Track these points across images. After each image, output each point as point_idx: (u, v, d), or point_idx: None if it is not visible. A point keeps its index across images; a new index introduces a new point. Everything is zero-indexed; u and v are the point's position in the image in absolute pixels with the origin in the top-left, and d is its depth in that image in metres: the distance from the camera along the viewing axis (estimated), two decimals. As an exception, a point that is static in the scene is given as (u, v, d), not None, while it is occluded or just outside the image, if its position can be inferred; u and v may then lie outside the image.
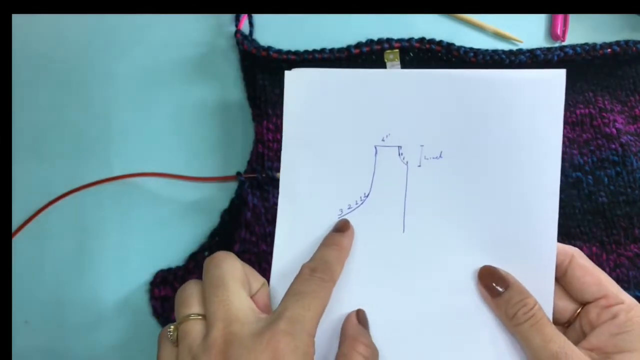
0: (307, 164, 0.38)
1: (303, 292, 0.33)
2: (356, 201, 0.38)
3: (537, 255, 0.36)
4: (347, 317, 0.36)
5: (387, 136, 0.38)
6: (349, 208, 0.38)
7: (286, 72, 0.39)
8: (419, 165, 0.38)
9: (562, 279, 0.37)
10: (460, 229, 0.37)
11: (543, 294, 0.35)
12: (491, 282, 0.36)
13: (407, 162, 0.38)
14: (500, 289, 0.35)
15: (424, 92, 0.38)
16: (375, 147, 0.38)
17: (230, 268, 0.34)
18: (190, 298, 0.33)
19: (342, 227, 0.37)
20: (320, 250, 0.36)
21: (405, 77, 0.38)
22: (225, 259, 0.34)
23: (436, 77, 0.38)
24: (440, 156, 0.38)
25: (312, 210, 0.38)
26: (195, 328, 0.32)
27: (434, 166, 0.38)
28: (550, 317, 0.35)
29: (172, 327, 0.33)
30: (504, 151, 0.37)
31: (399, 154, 0.38)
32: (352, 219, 0.38)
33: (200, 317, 0.32)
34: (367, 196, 0.38)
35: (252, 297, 0.34)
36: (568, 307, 0.37)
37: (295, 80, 0.39)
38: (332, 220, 0.38)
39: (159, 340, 0.34)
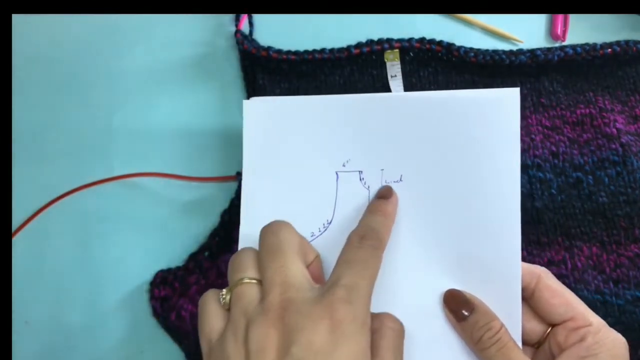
0: (268, 193, 0.38)
1: (355, 261, 0.32)
2: (319, 228, 0.38)
3: (503, 276, 0.36)
4: None
5: (347, 161, 0.38)
6: (312, 235, 0.38)
7: (244, 102, 0.39)
8: None
9: (530, 301, 0.36)
10: (424, 252, 0.37)
11: (510, 316, 0.35)
12: (456, 305, 0.35)
13: (368, 187, 0.38)
14: (465, 313, 0.35)
15: (382, 116, 0.38)
16: (337, 173, 0.38)
17: (287, 236, 0.34)
18: (244, 263, 0.33)
19: (386, 194, 0.37)
20: (366, 218, 0.36)
21: (363, 102, 0.38)
22: (283, 227, 0.34)
23: (393, 100, 0.38)
24: (400, 180, 0.37)
25: None
26: (250, 291, 0.32)
27: (395, 190, 0.37)
28: (520, 339, 0.35)
29: (224, 290, 0.33)
30: (463, 172, 0.37)
31: (360, 179, 0.38)
32: (315, 247, 0.37)
33: (255, 281, 0.32)
34: (330, 223, 0.38)
35: (307, 267, 0.34)
36: (537, 328, 0.36)
37: (254, 109, 0.39)
38: None
39: (203, 303, 0.33)
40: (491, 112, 0.36)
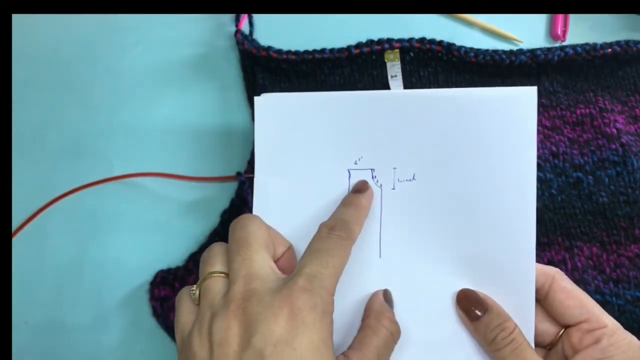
0: (280, 191, 0.38)
1: (321, 250, 0.33)
2: None
3: (517, 277, 0.36)
4: (374, 295, 0.36)
5: (359, 159, 0.38)
6: None
7: (256, 98, 0.38)
8: (393, 188, 0.37)
9: (544, 302, 0.36)
10: (436, 252, 0.37)
11: (524, 317, 0.35)
12: (469, 305, 0.35)
13: (380, 185, 0.38)
14: (478, 313, 0.35)
15: (395, 113, 0.37)
16: (349, 171, 0.38)
17: (255, 230, 0.34)
18: (214, 258, 0.34)
19: (360, 188, 0.37)
20: (339, 210, 0.36)
21: (376, 99, 0.38)
22: (251, 221, 0.34)
23: (406, 97, 0.37)
24: (413, 178, 0.37)
25: (287, 238, 0.37)
26: (217, 285, 0.32)
27: (408, 189, 0.37)
28: (532, 340, 0.35)
29: (194, 286, 0.33)
30: (477, 172, 0.36)
31: (373, 177, 0.38)
32: None
33: (222, 275, 0.33)
34: None
35: (277, 260, 0.34)
36: (550, 329, 0.36)
37: (265, 105, 0.38)
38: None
39: (177, 300, 0.34)
40: (508, 111, 0.36)
